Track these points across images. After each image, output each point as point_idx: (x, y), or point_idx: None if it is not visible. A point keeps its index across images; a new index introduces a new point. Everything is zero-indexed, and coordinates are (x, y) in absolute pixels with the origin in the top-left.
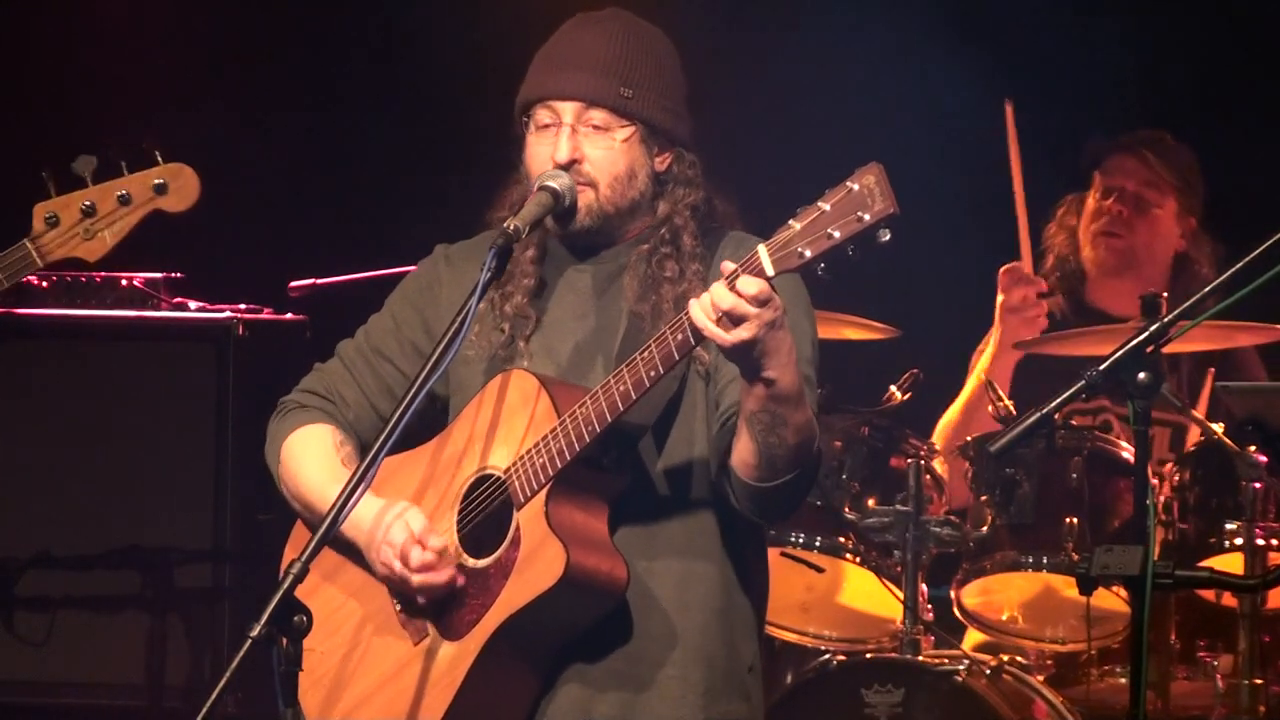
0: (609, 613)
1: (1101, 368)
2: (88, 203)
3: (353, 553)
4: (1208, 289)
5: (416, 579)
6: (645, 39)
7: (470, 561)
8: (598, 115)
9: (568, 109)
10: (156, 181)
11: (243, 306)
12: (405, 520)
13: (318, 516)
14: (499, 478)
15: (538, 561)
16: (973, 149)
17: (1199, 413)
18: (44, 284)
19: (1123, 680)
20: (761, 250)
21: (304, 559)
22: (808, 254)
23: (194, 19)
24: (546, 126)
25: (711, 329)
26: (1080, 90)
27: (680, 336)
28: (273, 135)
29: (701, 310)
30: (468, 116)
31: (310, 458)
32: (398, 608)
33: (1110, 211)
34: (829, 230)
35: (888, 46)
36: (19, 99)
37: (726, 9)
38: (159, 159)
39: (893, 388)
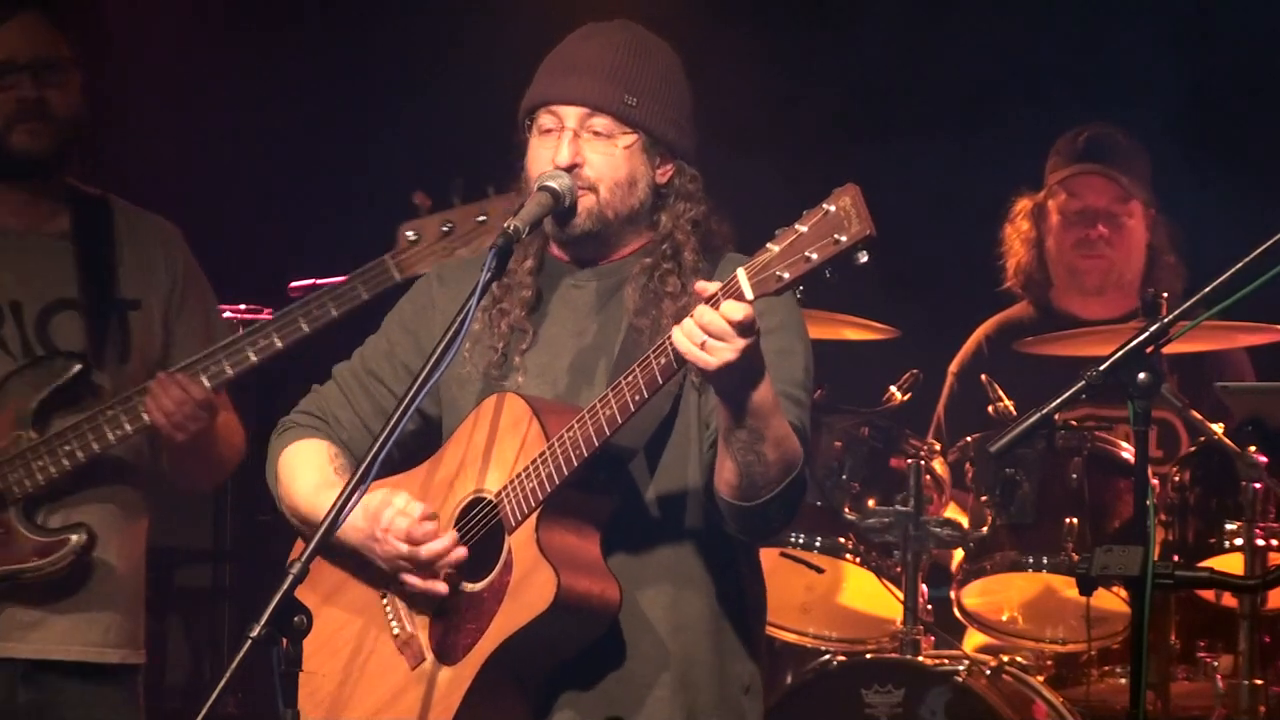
0: (603, 634)
1: (1101, 368)
2: (448, 224)
3: (352, 566)
4: (1207, 289)
5: (425, 549)
6: (652, 50)
7: (466, 585)
8: (600, 122)
9: (571, 114)
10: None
11: (243, 307)
12: (406, 511)
13: (310, 525)
14: (491, 501)
15: (530, 586)
16: (970, 149)
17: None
18: None
19: (1123, 680)
20: (741, 274)
21: (304, 559)
22: (786, 277)
23: (194, 18)
24: (549, 131)
25: (695, 353)
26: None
27: (664, 360)
28: (273, 135)
29: (684, 335)
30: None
31: (303, 469)
32: (394, 630)
33: (1091, 238)
34: (806, 253)
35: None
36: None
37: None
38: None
39: (893, 388)
